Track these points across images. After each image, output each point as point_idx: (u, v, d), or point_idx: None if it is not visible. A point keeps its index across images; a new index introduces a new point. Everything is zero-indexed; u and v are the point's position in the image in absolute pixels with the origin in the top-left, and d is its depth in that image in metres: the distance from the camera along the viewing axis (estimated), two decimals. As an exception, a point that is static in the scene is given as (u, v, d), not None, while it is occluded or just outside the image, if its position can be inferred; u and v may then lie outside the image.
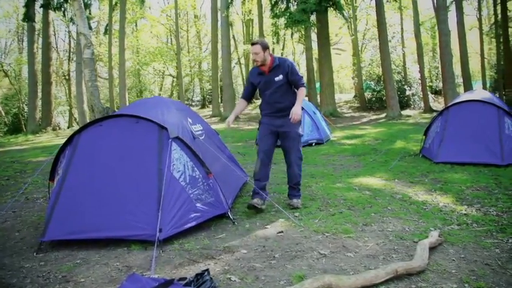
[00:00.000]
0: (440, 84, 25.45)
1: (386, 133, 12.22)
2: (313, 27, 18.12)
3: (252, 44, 4.24)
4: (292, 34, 16.55)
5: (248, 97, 4.63)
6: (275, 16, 15.95)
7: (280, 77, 4.23)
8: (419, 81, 21.30)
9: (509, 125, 6.39)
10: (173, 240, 3.54)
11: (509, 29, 20.13)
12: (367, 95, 23.74)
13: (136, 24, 27.32)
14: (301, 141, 4.57)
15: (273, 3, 16.34)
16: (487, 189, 5.07)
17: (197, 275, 2.52)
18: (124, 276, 2.92)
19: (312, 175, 6.35)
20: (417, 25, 20.41)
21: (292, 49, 36.82)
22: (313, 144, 10.29)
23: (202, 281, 2.43)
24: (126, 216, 3.56)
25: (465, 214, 4.14)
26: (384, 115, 18.62)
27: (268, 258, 3.13)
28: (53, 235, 3.58)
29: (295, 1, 15.72)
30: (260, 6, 21.12)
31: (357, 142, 10.58)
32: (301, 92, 4.27)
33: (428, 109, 19.10)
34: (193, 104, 31.86)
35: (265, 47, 4.20)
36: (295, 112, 4.13)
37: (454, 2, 18.63)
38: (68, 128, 21.53)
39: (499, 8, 20.25)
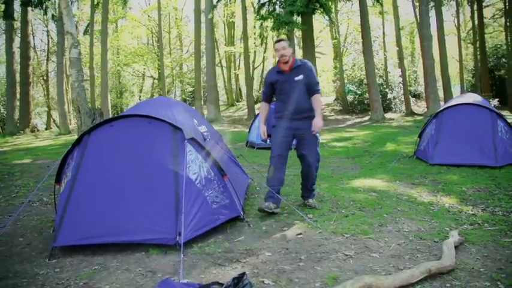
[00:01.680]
0: (419, 88, 26.18)
1: (374, 136, 12.41)
2: (297, 30, 18.24)
3: (278, 41, 4.24)
4: (278, 36, 16.52)
5: (269, 99, 4.55)
6: (261, 18, 15.94)
7: (301, 76, 4.18)
8: (400, 84, 21.74)
9: (502, 128, 6.60)
10: (192, 244, 3.46)
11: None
12: (349, 98, 24.07)
13: (116, 25, 26.83)
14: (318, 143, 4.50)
15: (259, 5, 16.35)
16: (487, 190, 5.19)
17: (235, 278, 2.46)
18: (150, 282, 2.83)
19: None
20: (398, 30, 20.85)
21: (273, 52, 37.02)
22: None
23: (243, 285, 2.38)
24: (143, 219, 3.46)
25: (473, 214, 4.22)
26: (367, 118, 18.91)
27: (295, 261, 3.10)
28: (65, 240, 3.43)
29: (281, 4, 15.76)
30: (244, 8, 21.10)
31: (348, 145, 10.69)
32: (319, 101, 4.29)
33: (409, 112, 19.51)
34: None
35: (289, 44, 4.24)
36: (318, 125, 4.18)
37: (433, 8, 19.14)
38: (46, 129, 20.87)
39: (476, 14, 20.93)
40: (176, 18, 30.08)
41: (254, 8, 29.16)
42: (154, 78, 28.87)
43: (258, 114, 11.44)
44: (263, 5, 16.21)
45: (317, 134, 4.32)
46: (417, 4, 19.23)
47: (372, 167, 7.11)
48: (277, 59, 4.40)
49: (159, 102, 4.76)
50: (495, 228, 3.74)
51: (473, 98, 7.36)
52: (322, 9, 13.80)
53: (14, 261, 3.37)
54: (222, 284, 2.53)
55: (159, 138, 3.81)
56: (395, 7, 20.74)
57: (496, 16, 23.91)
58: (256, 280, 2.75)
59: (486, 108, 6.78)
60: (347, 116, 21.90)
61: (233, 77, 33.32)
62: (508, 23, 20.01)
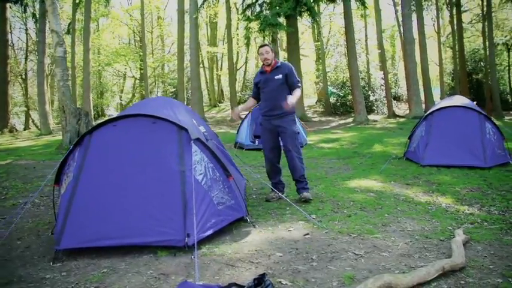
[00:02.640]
0: (399, 91, 26.71)
1: (360, 137, 12.56)
2: (281, 32, 18.32)
3: (262, 46, 4.86)
4: (263, 38, 16.57)
5: (256, 96, 5.08)
6: (247, 19, 15.95)
7: (280, 76, 4.73)
8: (382, 87, 22.13)
9: (490, 130, 6.79)
10: (200, 246, 3.42)
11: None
12: (331, 100, 24.34)
13: (97, 24, 26.34)
14: (298, 138, 5.00)
15: (244, 6, 16.35)
16: (480, 190, 5.32)
17: (255, 279, 2.45)
18: (165, 284, 2.78)
19: (308, 178, 6.37)
20: (380, 33, 21.21)
21: (256, 54, 37.11)
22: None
23: (265, 285, 2.36)
24: (150, 221, 3.39)
25: (471, 214, 4.32)
26: (350, 120, 19.16)
27: (308, 261, 3.10)
28: (69, 243, 3.33)
29: (267, 5, 15.81)
30: (228, 9, 21.06)
31: (336, 146, 10.79)
32: (297, 90, 4.75)
33: (392, 114, 19.84)
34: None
35: (272, 49, 4.86)
36: (290, 100, 4.51)
37: (415, 12, 19.56)
38: (25, 130, 20.28)
39: (455, 19, 21.48)
40: (158, 18, 29.77)
41: (237, 9, 29.25)
42: (135, 79, 28.45)
43: (246, 115, 11.41)
44: (249, 6, 16.21)
45: (295, 129, 4.83)
46: (398, 8, 19.60)
47: (364, 168, 7.20)
48: (260, 60, 4.94)
49: (160, 101, 4.69)
50: (495, 226, 3.84)
51: (461, 100, 7.55)
52: (308, 12, 13.89)
53: (16, 265, 3.26)
54: (241, 286, 2.52)
55: (164, 138, 3.76)
56: (377, 10, 21.09)
57: (474, 21, 24.65)
58: (273, 281, 2.73)
59: (474, 111, 6.97)
60: (330, 118, 22.13)
61: (215, 78, 33.21)
62: (485, 28, 20.63)
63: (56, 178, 4.02)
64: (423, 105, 18.60)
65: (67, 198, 3.54)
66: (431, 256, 3.15)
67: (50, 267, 3.17)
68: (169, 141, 3.74)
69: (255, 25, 18.75)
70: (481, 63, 23.31)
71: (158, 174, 3.59)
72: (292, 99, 4.56)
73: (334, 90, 24.63)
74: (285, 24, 16.55)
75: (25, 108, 22.14)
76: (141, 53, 24.46)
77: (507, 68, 24.30)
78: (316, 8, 23.69)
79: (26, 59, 22.90)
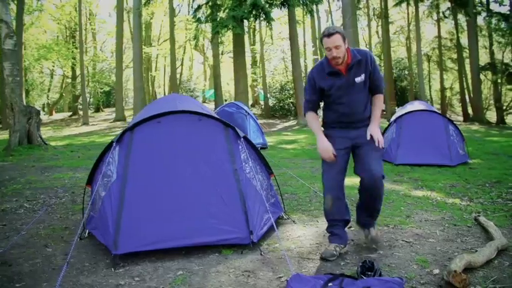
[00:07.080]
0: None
1: (314, 139, 13.09)
2: (227, 34, 18.45)
3: (329, 35, 2.94)
4: (212, 40, 16.52)
5: (317, 109, 3.34)
6: (198, 21, 15.83)
7: (362, 76, 3.07)
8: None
9: (453, 132, 7.63)
10: (260, 243, 3.46)
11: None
12: (270, 103, 25.03)
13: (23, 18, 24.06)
14: None
15: (195, 7, 16.21)
16: (460, 185, 5.94)
17: (362, 268, 2.60)
18: (260, 281, 2.78)
19: (299, 177, 6.60)
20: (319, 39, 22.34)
21: (190, 55, 36.74)
22: (259, 149, 10.58)
23: (377, 270, 2.53)
24: (210, 220, 3.35)
25: (468, 205, 4.84)
26: (293, 122, 19.90)
27: (371, 250, 3.31)
28: (128, 247, 3.17)
29: (218, 7, 15.84)
30: (172, 9, 20.66)
31: (297, 147, 11.20)
32: (381, 104, 3.23)
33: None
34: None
35: (344, 37, 2.97)
36: (378, 135, 3.12)
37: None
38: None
39: (383, 29, 23.36)
40: (90, 14, 28.07)
41: (174, 9, 28.71)
42: (66, 77, 26.53)
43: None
44: (199, 7, 16.10)
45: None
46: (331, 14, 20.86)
47: (345, 167, 7.60)
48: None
49: (184, 99, 4.59)
50: (499, 214, 4.37)
51: (424, 105, 8.37)
52: (264, 16, 14.23)
53: (71, 273, 3.01)
54: (347, 275, 2.65)
55: (212, 136, 3.73)
56: (314, 17, 22.15)
57: (397, 33, 27.06)
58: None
59: (439, 114, 7.78)
60: (271, 121, 22.70)
61: (150, 79, 32.23)
62: (410, 39, 22.77)
63: (89, 179, 3.77)
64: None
65: (117, 199, 3.36)
66: (471, 240, 3.54)
67: (115, 274, 2.99)
68: (218, 139, 3.72)
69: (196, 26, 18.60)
70: (405, 71, 25.68)
71: (212, 172, 3.55)
72: (376, 129, 3.14)
73: (270, 95, 25.32)
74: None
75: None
76: (74, 50, 22.97)
77: (427, 76, 27.08)
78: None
79: None
